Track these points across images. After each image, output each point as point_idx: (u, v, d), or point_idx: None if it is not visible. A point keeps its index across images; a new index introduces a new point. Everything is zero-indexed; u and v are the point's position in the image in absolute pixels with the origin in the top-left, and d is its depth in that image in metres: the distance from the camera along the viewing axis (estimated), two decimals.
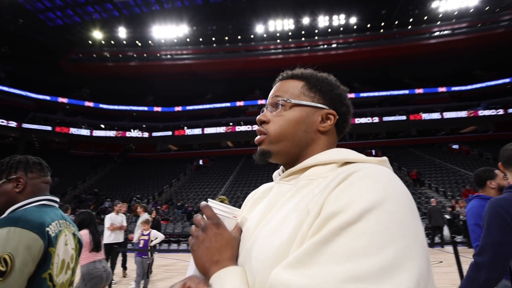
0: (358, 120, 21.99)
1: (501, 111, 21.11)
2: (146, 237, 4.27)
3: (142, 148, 25.12)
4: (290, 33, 23.84)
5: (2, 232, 0.76)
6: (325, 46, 23.98)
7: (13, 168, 0.93)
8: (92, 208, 14.19)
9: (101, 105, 24.58)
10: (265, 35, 24.28)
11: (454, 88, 23.76)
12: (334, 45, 23.85)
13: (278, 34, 24.03)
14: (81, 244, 1.07)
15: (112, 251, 4.32)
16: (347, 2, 21.17)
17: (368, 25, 23.35)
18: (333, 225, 0.35)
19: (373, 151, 20.70)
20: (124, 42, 25.05)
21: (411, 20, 23.26)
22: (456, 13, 22.20)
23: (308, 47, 24.14)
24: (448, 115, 21.88)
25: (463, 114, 21.77)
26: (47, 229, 0.84)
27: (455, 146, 20.56)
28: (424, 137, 23.14)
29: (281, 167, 0.59)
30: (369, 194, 0.37)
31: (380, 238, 0.33)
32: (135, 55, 25.18)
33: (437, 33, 23.36)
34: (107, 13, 23.27)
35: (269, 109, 0.57)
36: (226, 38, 24.95)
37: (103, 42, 25.16)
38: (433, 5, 21.67)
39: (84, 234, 2.81)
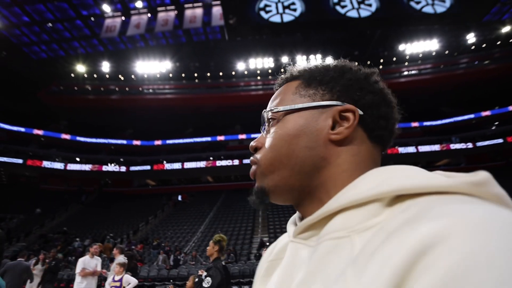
0: None
1: (470, 145, 23.17)
2: (117, 283, 3.83)
3: (118, 183, 25.04)
4: (269, 71, 25.89)
5: None
6: None
7: None
8: (59, 249, 13.90)
9: (78, 138, 24.83)
10: (246, 72, 26.21)
11: (425, 123, 26.00)
12: None
13: (258, 71, 26.03)
14: None
15: None
16: (322, 44, 23.59)
17: None
18: None
19: None
20: (107, 76, 26.22)
21: (381, 60, 26.03)
22: (420, 55, 25.18)
23: None
24: (422, 148, 23.64)
25: (436, 147, 23.63)
26: None
27: None
28: None
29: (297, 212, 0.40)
30: None
31: None
32: (117, 89, 26.20)
33: (405, 73, 26.12)
34: (92, 48, 24.58)
35: (262, 130, 0.43)
36: (208, 74, 26.65)
37: (85, 75, 26.20)
38: (400, 48, 24.55)
39: None
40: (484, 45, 24.93)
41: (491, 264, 0.18)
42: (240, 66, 25.36)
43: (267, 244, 13.30)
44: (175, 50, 24.10)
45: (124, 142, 26.11)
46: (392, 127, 0.40)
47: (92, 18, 21.66)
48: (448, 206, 0.22)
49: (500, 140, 22.43)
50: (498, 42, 24.68)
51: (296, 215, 0.40)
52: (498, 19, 21.42)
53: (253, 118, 25.44)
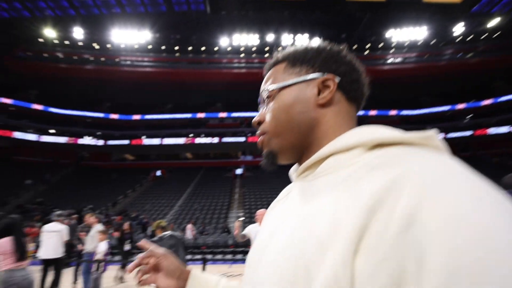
0: None
1: (441, 136, 26.56)
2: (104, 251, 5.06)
3: (96, 157, 26.99)
4: (254, 48, 27.64)
5: None
6: None
7: None
8: (37, 219, 15.97)
9: (51, 109, 26.02)
10: (229, 48, 27.82)
11: (403, 112, 29.19)
12: None
13: (242, 49, 27.72)
14: None
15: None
16: (309, 24, 25.38)
17: None
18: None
19: None
20: (80, 43, 26.89)
21: (368, 45, 28.31)
22: (406, 43, 27.62)
23: None
24: None
25: None
26: None
27: None
28: None
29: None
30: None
31: None
32: (91, 58, 27.10)
33: (390, 60, 28.68)
34: (62, 11, 24.96)
35: (261, 108, 0.59)
36: (190, 48, 28.04)
37: (56, 41, 26.71)
38: (387, 34, 26.81)
39: (5, 241, 3.02)
40: (469, 38, 27.57)
41: (445, 191, 0.29)
42: (224, 41, 26.83)
43: (240, 219, 16.05)
44: (155, 20, 25.08)
45: (101, 115, 27.72)
46: (363, 89, 0.55)
47: None
48: (414, 154, 0.37)
49: (469, 133, 25.89)
50: (484, 35, 27.31)
51: (294, 167, 0.58)
52: (487, 11, 23.51)
53: (235, 97, 28.36)
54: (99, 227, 5.50)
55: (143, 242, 0.68)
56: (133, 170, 25.53)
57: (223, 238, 13.55)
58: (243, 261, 10.39)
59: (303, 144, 0.52)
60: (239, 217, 16.89)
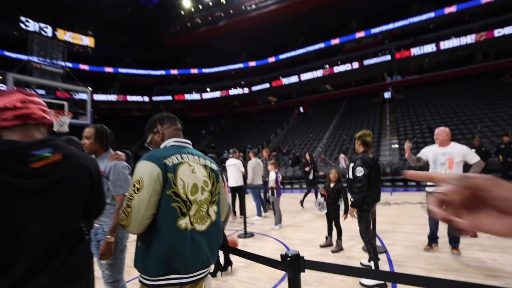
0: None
1: None
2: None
3: (245, 104, 30.84)
4: None
5: (139, 163, 1.30)
6: None
7: (154, 124, 1.52)
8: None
9: (204, 70, 31.05)
10: None
11: None
12: None
13: None
14: (217, 174, 1.52)
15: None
16: None
17: None
18: None
19: None
20: (210, 3, 29.39)
21: None
22: None
23: None
24: None
25: None
26: (165, 160, 1.29)
27: None
28: None
29: None
30: None
31: None
32: (222, 14, 29.37)
33: None
34: None
35: None
36: None
37: (192, 9, 30.36)
38: None
39: None
40: None
41: None
42: None
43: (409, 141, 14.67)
44: None
45: (241, 65, 30.63)
46: None
47: None
48: None
49: None
50: None
51: None
52: None
53: (371, 9, 24.28)
54: (253, 161, 6.46)
55: (409, 172, 0.42)
56: (278, 110, 27.43)
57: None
58: (403, 188, 9.98)
59: None
60: (392, 144, 15.47)
